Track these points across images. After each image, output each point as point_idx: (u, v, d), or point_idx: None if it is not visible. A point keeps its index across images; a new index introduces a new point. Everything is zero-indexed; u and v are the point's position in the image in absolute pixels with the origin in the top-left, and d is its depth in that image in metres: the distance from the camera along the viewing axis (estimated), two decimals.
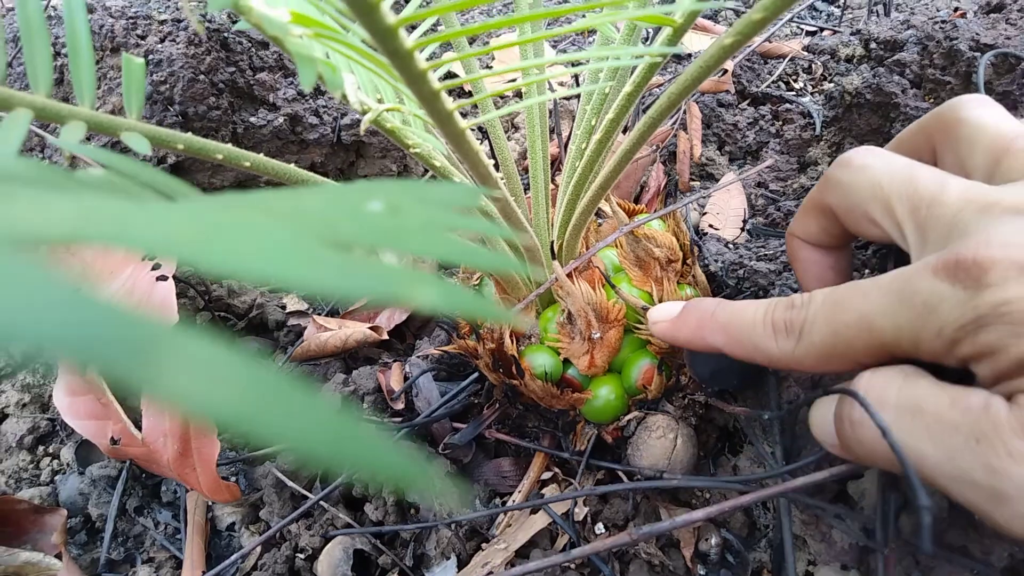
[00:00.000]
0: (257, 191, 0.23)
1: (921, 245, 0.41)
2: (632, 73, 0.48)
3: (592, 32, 1.19)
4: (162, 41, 0.89)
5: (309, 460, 0.10)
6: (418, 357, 0.69)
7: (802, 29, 1.18)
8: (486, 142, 0.99)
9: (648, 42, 0.55)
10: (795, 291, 0.60)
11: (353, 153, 1.02)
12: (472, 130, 0.40)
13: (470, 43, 0.68)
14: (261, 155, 0.47)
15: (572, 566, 0.55)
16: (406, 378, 0.70)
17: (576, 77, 0.87)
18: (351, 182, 0.86)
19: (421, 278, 0.13)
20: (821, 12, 1.16)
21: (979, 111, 0.44)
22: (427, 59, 0.36)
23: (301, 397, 0.10)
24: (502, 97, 1.10)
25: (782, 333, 0.43)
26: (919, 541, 0.36)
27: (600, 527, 0.57)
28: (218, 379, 0.10)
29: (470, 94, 1.09)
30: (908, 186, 0.42)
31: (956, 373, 0.38)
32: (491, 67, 1.16)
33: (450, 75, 1.08)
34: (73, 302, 0.10)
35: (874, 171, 0.44)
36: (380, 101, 0.46)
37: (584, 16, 0.46)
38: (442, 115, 0.35)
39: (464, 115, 1.02)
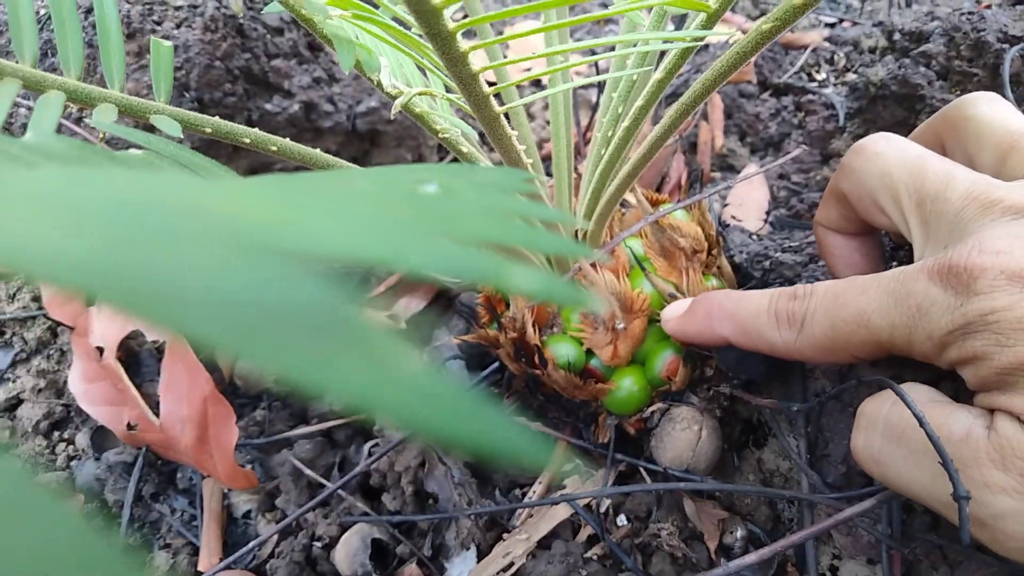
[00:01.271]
0: (300, 174, 0.22)
1: (924, 240, 0.41)
2: (660, 60, 0.48)
3: (610, 21, 1.18)
4: (178, 27, 0.88)
5: (451, 444, 0.09)
6: (454, 340, 0.68)
7: (820, 20, 1.17)
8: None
9: (680, 28, 0.54)
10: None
11: (368, 141, 1.01)
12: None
13: (496, 31, 0.68)
14: (287, 140, 0.46)
15: (595, 557, 0.55)
16: None
17: (596, 65, 0.86)
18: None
19: (517, 265, 0.12)
20: (840, 3, 1.15)
21: (985, 107, 0.44)
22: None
23: (451, 391, 0.10)
24: (518, 86, 1.09)
25: (784, 323, 0.43)
26: (960, 533, 0.35)
27: (622, 519, 0.57)
28: (385, 373, 0.09)
29: (492, 83, 1.08)
30: (916, 178, 0.42)
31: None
32: (506, 56, 1.15)
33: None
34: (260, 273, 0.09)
35: (885, 160, 0.44)
36: (408, 85, 0.46)
37: (614, 2, 0.45)
38: (479, 98, 0.34)
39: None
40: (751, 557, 0.44)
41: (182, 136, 0.38)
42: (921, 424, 0.36)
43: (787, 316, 0.43)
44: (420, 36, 0.32)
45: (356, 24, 0.36)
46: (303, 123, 0.94)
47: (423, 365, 0.10)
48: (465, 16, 0.61)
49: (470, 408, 0.09)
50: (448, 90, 0.47)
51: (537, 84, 1.08)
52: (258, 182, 0.20)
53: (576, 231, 0.59)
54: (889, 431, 0.39)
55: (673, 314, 0.53)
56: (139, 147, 0.32)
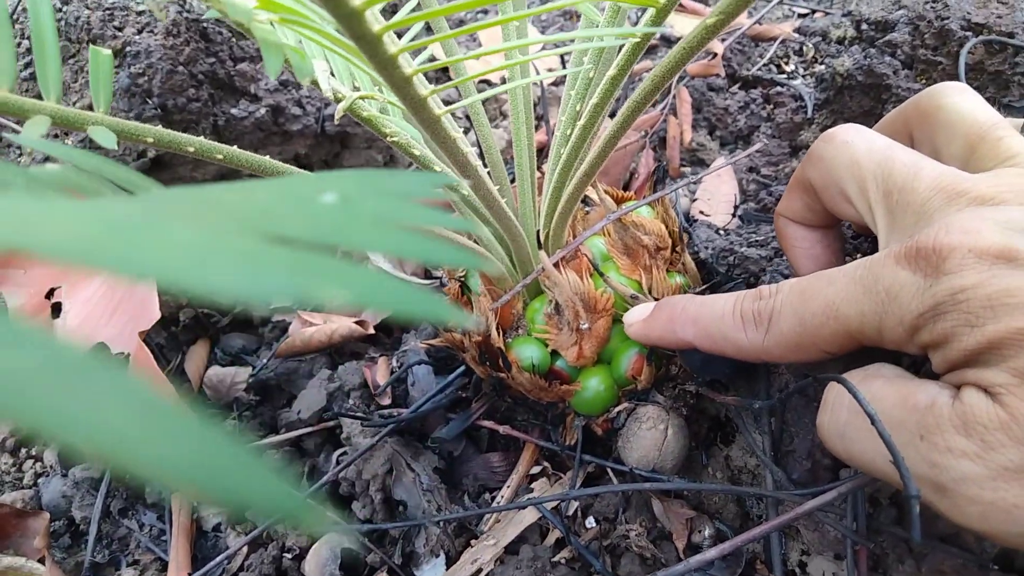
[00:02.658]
0: (218, 184, 0.21)
1: (889, 230, 0.41)
2: (617, 56, 0.47)
3: (579, 16, 1.18)
4: (140, 32, 0.87)
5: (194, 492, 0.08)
6: (420, 345, 0.67)
7: (794, 12, 1.17)
8: (472, 132, 0.97)
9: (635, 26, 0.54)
10: (787, 276, 0.59)
11: (338, 144, 1.00)
12: (456, 117, 0.38)
13: (454, 26, 0.67)
14: (235, 148, 0.45)
15: (563, 560, 0.55)
16: (392, 372, 0.69)
17: (563, 61, 0.85)
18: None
19: (340, 271, 0.12)
20: None
21: (957, 98, 0.45)
22: (411, 40, 0.35)
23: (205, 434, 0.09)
24: (489, 83, 1.08)
25: (751, 324, 0.43)
26: (910, 531, 0.35)
27: (591, 521, 0.56)
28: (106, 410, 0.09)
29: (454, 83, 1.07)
30: (884, 168, 0.42)
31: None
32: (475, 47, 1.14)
33: (433, 59, 1.06)
34: None
35: (854, 149, 0.44)
36: (356, 89, 0.45)
37: None
38: (415, 101, 0.33)
39: (449, 102, 0.99)
40: (712, 552, 0.43)
41: (116, 147, 0.37)
42: (873, 422, 0.36)
43: (753, 316, 0.43)
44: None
45: (290, 28, 0.36)
46: (271, 127, 0.93)
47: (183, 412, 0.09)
48: (418, 6, 0.59)
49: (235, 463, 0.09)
50: None
51: (504, 82, 1.07)
52: (135, 201, 0.19)
53: (538, 231, 0.59)
54: (854, 406, 0.39)
55: (635, 319, 0.52)
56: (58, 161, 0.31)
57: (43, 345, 0.09)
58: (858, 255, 0.58)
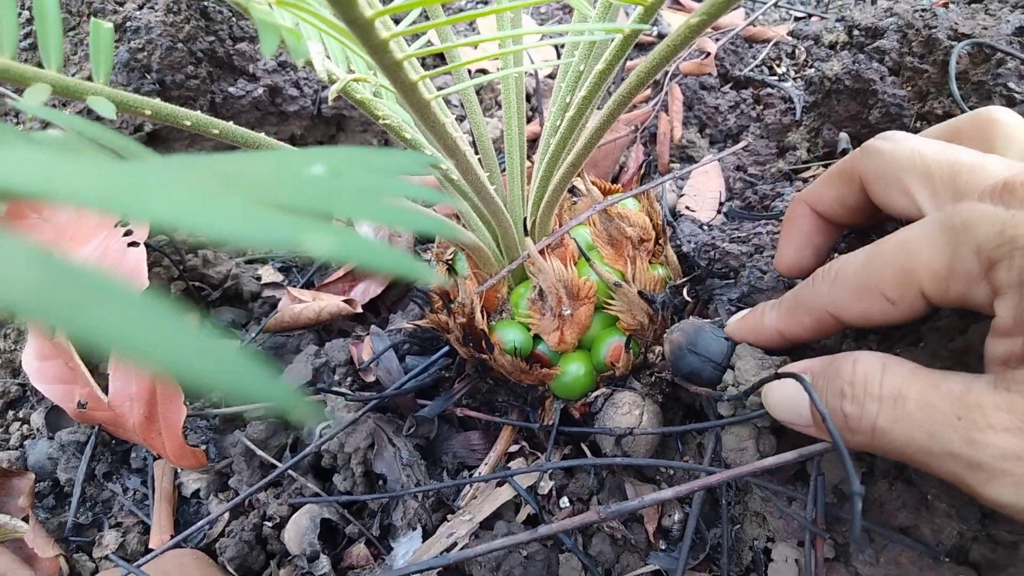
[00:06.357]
0: (212, 155, 0.23)
1: None
2: (607, 52, 0.48)
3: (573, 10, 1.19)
4: (140, 8, 0.87)
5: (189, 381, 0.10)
6: (386, 331, 0.69)
7: (791, 15, 1.18)
8: (467, 121, 0.98)
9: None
10: (765, 272, 0.60)
11: (334, 126, 1.01)
12: (452, 105, 0.40)
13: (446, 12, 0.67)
14: (230, 123, 0.47)
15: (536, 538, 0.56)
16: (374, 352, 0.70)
17: (559, 54, 0.86)
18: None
19: (320, 227, 0.13)
20: None
21: (1009, 115, 0.46)
22: (408, 26, 0.36)
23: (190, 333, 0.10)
24: (485, 72, 1.09)
25: (819, 278, 0.45)
26: (852, 526, 0.37)
27: (565, 501, 0.58)
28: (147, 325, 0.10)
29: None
30: (948, 156, 0.43)
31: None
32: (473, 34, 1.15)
33: (430, 44, 1.07)
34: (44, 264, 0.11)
35: (914, 143, 0.45)
36: (351, 71, 0.46)
37: None
38: (405, 85, 0.35)
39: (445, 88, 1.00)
40: (668, 493, 0.46)
41: (114, 117, 0.38)
42: (824, 420, 0.37)
43: (821, 273, 0.45)
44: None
45: (288, 9, 0.37)
46: (268, 107, 0.94)
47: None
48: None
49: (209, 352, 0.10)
50: None
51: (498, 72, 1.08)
52: (141, 164, 0.21)
53: (525, 219, 0.60)
54: (887, 396, 0.39)
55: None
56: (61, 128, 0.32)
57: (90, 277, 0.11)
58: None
